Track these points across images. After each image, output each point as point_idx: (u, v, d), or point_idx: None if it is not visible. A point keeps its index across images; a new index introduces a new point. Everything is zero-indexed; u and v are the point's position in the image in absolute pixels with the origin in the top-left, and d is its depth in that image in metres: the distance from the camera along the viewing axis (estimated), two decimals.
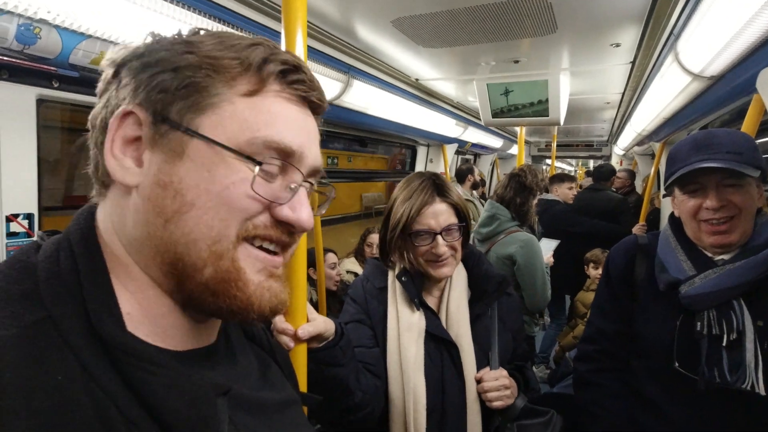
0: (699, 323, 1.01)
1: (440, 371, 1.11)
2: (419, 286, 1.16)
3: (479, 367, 1.12)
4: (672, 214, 1.18)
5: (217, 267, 0.44)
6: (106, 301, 0.41)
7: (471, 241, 1.27)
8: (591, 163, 13.76)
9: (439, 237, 1.10)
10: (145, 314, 0.45)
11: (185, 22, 1.27)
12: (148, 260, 0.45)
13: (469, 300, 1.17)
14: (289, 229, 0.48)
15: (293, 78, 0.48)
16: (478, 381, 1.10)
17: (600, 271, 3.01)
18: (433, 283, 1.19)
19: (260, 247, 0.47)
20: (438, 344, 1.12)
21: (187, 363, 0.46)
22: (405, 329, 1.10)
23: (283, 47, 0.77)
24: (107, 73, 0.47)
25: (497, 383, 1.09)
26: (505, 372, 1.12)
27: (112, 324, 0.40)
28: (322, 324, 0.86)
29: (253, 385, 0.54)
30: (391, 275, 1.19)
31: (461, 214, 1.15)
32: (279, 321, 0.84)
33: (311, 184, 0.52)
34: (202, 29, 0.50)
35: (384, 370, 1.10)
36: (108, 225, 0.46)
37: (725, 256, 1.05)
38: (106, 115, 0.45)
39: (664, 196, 1.19)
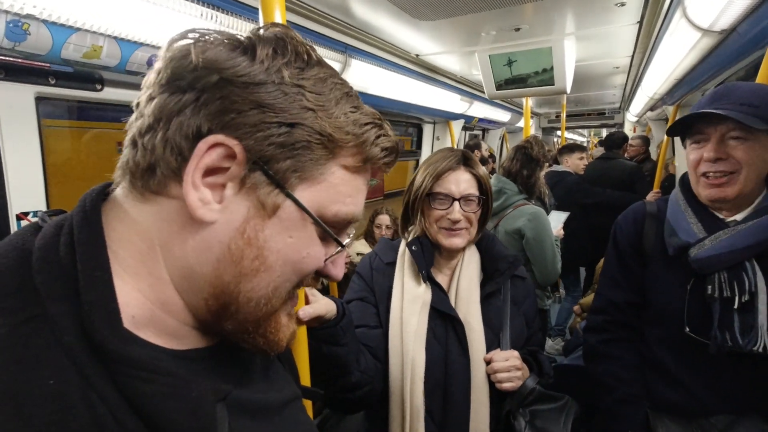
0: (710, 286, 0.99)
1: (444, 348, 1.08)
2: (429, 259, 1.14)
3: (490, 349, 1.08)
4: (683, 176, 1.14)
5: (264, 314, 0.46)
6: (102, 299, 0.38)
7: None
8: (604, 132, 13.44)
9: (456, 203, 1.10)
10: (152, 317, 0.43)
11: (169, 7, 1.25)
12: (198, 291, 0.44)
13: (482, 281, 1.15)
14: (319, 277, 0.51)
15: (387, 161, 0.49)
16: (488, 362, 1.06)
17: None
18: (445, 259, 1.17)
19: None
20: (444, 320, 1.09)
21: (187, 363, 0.44)
22: (409, 301, 1.08)
23: (261, 24, 0.75)
24: (199, 73, 0.40)
25: (507, 364, 1.05)
26: (516, 353, 1.08)
27: (105, 327, 0.37)
28: (323, 306, 0.86)
29: (255, 386, 0.53)
30: (402, 248, 1.18)
31: (483, 187, 1.15)
32: None
33: None
34: (295, 44, 0.44)
35: (385, 350, 1.08)
36: (153, 234, 0.43)
37: (737, 217, 1.02)
38: (189, 124, 0.40)
39: (682, 141, 1.14)
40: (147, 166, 0.42)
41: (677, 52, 1.93)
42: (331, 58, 2.02)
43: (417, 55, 2.69)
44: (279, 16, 0.73)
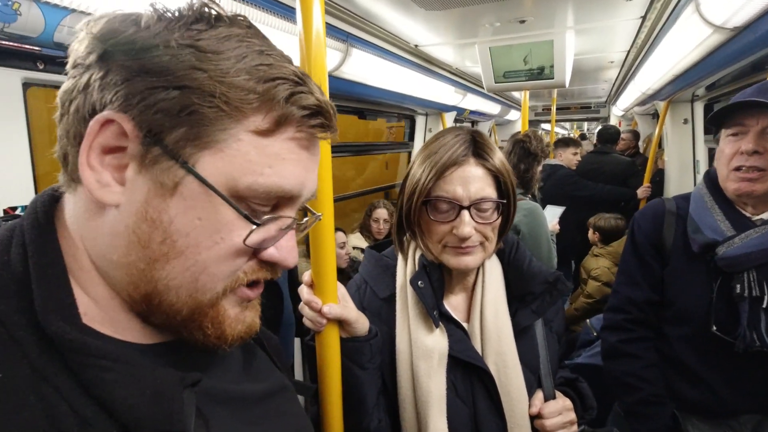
0: (738, 285, 0.98)
1: (472, 407, 0.86)
2: (439, 288, 0.88)
3: (529, 393, 0.87)
4: (708, 171, 1.13)
5: (195, 309, 0.43)
6: (55, 295, 0.38)
7: None
8: (585, 126, 13.64)
9: (465, 213, 0.81)
10: (105, 316, 0.42)
11: None
12: (120, 281, 0.42)
13: (510, 306, 0.92)
14: (273, 267, 0.47)
15: (313, 123, 0.43)
16: (533, 416, 0.86)
17: (598, 235, 3.02)
18: (457, 278, 0.92)
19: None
20: (467, 370, 0.86)
21: (152, 356, 0.43)
22: (420, 356, 0.84)
23: (299, 25, 0.70)
24: (90, 50, 0.39)
25: (562, 419, 0.85)
26: (569, 404, 0.89)
27: (59, 320, 0.37)
28: (353, 312, 0.80)
29: (233, 377, 0.52)
30: (400, 275, 0.92)
31: (503, 187, 0.85)
32: (306, 292, 0.78)
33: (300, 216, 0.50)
34: (210, 8, 0.41)
35: (394, 418, 0.88)
36: (75, 225, 0.42)
37: (764, 216, 1.02)
38: (84, 105, 0.39)
39: (714, 135, 1.11)
40: (62, 156, 0.42)
41: (681, 47, 1.93)
42: (332, 47, 1.96)
43: (416, 46, 2.64)
44: (318, 14, 0.68)
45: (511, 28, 2.32)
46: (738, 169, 1.00)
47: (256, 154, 0.41)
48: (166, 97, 0.37)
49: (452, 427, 0.83)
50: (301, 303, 0.79)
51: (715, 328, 1.02)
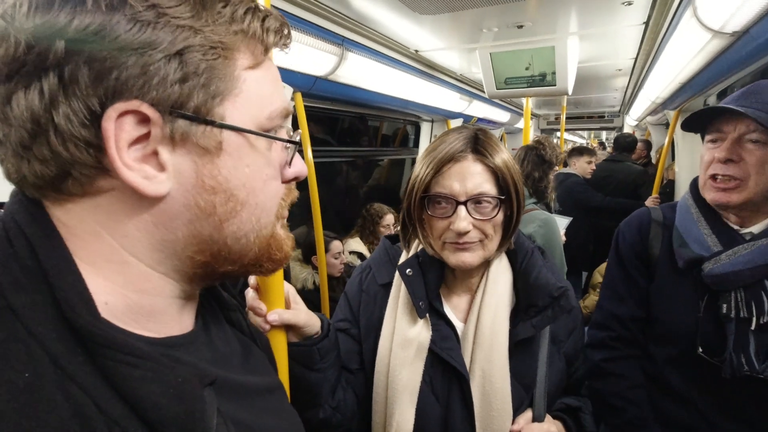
0: (725, 305, 0.90)
1: (444, 409, 0.84)
2: (435, 282, 0.87)
3: (517, 410, 0.82)
4: (694, 180, 1.06)
5: (260, 245, 0.46)
6: (76, 287, 0.37)
7: None
8: (604, 135, 13.43)
9: (461, 208, 0.80)
10: (126, 302, 0.41)
11: None
12: (172, 257, 0.42)
13: (512, 315, 0.87)
14: (291, 190, 0.51)
15: (285, 42, 0.47)
16: None
17: None
18: (460, 278, 0.90)
19: None
20: (446, 370, 0.84)
21: (166, 349, 0.43)
22: (399, 345, 0.83)
23: None
24: (40, 50, 0.33)
25: None
26: (554, 429, 0.83)
27: (86, 313, 0.36)
28: (302, 316, 0.77)
29: (236, 370, 0.52)
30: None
31: (503, 184, 0.83)
32: (251, 297, 0.75)
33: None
34: None
35: (370, 401, 0.88)
36: (85, 225, 0.39)
37: (753, 229, 0.95)
38: (77, 111, 0.34)
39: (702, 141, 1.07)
40: (56, 175, 0.37)
41: (684, 54, 1.87)
42: (326, 50, 1.95)
43: (416, 51, 2.62)
44: None
45: (511, 34, 2.28)
46: (714, 177, 0.94)
47: (262, 87, 0.43)
48: (171, 66, 0.36)
49: (421, 422, 0.83)
50: (246, 308, 0.76)
51: (701, 349, 0.94)
